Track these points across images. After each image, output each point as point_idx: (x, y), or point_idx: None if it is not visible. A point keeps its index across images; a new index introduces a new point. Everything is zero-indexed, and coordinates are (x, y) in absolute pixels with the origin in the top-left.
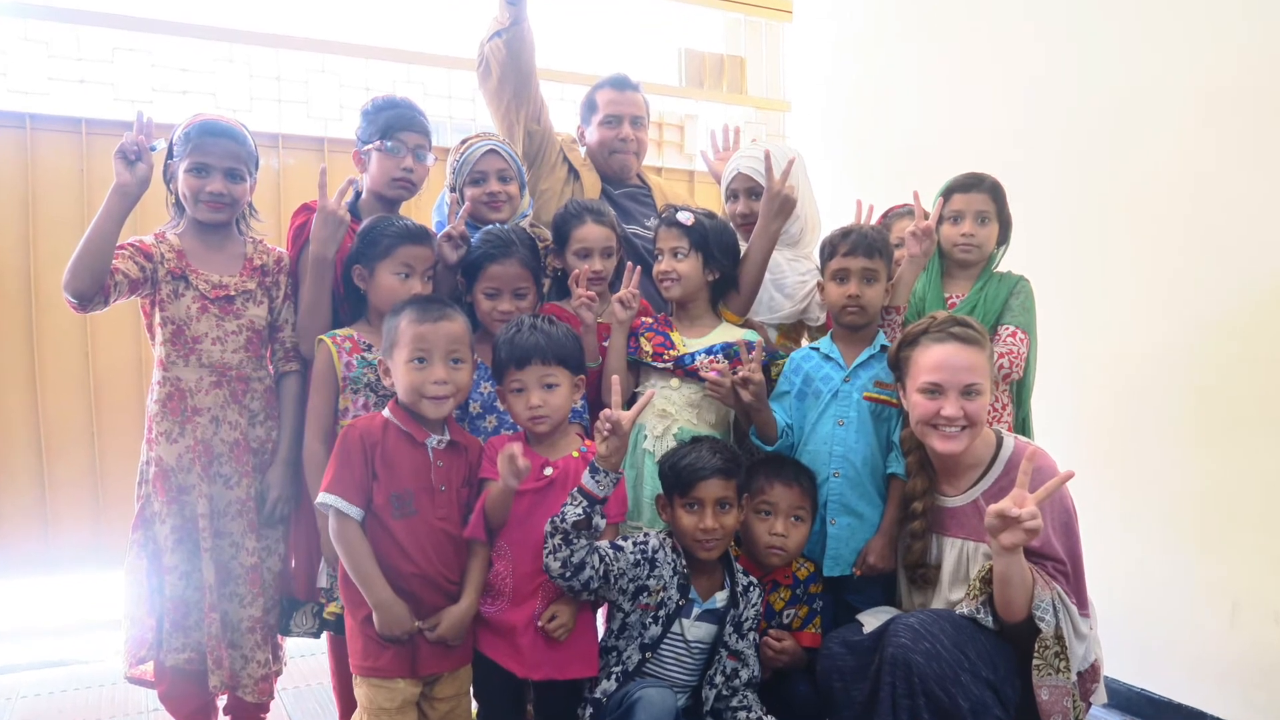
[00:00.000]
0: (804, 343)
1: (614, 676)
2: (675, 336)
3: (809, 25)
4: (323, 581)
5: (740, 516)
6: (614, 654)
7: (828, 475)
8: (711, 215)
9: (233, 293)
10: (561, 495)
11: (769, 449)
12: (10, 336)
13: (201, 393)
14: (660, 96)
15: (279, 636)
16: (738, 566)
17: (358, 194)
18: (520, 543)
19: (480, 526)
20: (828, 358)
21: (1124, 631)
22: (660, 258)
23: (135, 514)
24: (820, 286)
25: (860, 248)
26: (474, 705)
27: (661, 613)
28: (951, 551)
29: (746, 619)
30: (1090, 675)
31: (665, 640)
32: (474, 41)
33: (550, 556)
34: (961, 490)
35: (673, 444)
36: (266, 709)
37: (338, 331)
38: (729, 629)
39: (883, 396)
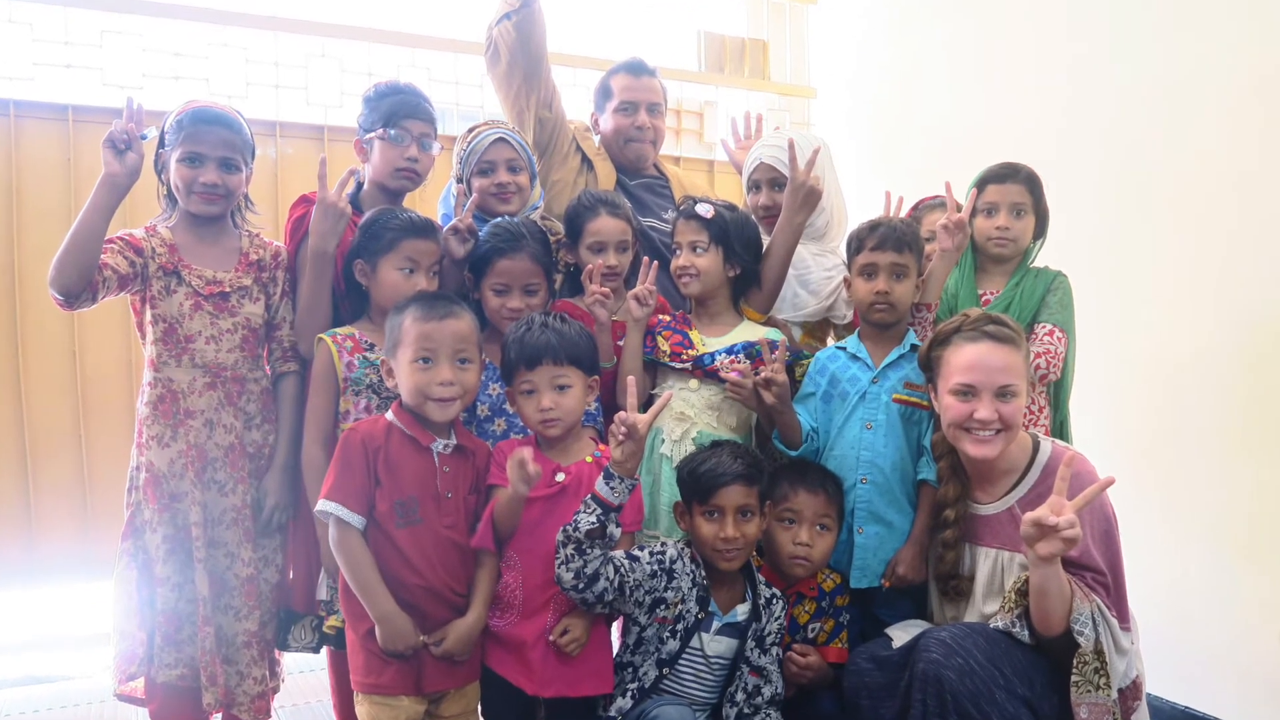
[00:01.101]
0: (830, 342)
1: (629, 694)
2: (694, 335)
3: (835, 7)
4: (322, 593)
5: (762, 525)
6: (629, 670)
7: (855, 481)
8: (732, 207)
9: (227, 289)
10: (574, 503)
11: (793, 454)
12: None
13: (195, 394)
14: (678, 82)
15: (276, 651)
16: (760, 578)
17: (359, 185)
18: (530, 553)
19: (488, 536)
20: (855, 358)
21: (1167, 646)
22: (678, 252)
23: (125, 522)
24: (847, 282)
25: (889, 242)
26: None
27: (680, 626)
28: (985, 562)
29: (769, 633)
30: (1132, 692)
31: (684, 655)
32: (482, 24)
33: (562, 567)
34: (996, 497)
35: (691, 448)
36: None
37: (338, 330)
38: (751, 644)
39: (913, 398)
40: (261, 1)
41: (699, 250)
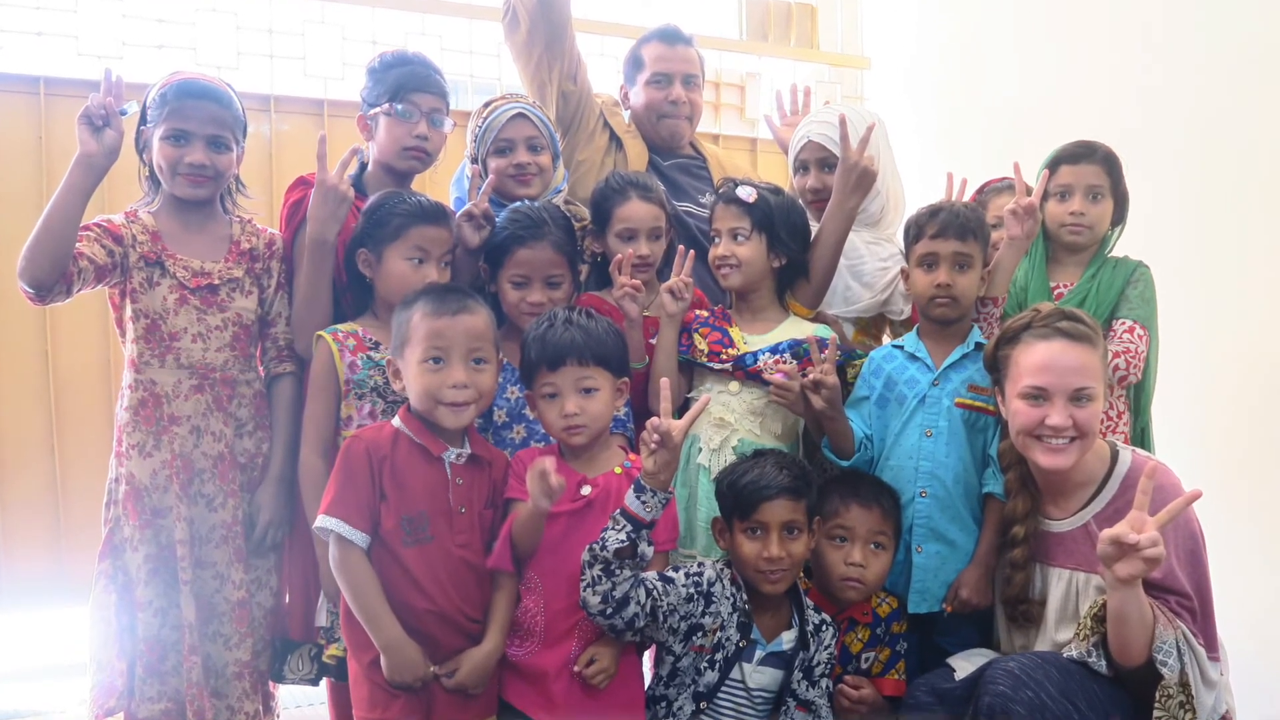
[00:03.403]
0: (885, 340)
1: None
2: (735, 333)
3: None
4: (322, 619)
5: (810, 543)
6: (663, 704)
7: (913, 495)
8: (777, 190)
9: (216, 281)
10: (602, 519)
11: (844, 464)
12: None
13: (180, 398)
14: (717, 51)
15: (271, 684)
16: (808, 602)
17: (363, 166)
18: (553, 574)
19: (506, 555)
20: (913, 357)
21: (1260, 678)
22: (717, 240)
23: (102, 540)
24: (904, 274)
25: (951, 229)
26: None
27: (718, 656)
28: (1058, 584)
29: (818, 663)
30: None
31: (723, 688)
32: None
33: (588, 590)
34: (1070, 512)
35: (732, 458)
36: None
37: (339, 327)
38: (798, 675)
39: (978, 403)
40: None
41: (740, 238)
